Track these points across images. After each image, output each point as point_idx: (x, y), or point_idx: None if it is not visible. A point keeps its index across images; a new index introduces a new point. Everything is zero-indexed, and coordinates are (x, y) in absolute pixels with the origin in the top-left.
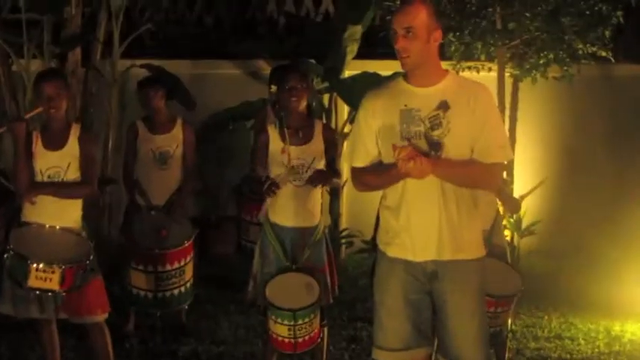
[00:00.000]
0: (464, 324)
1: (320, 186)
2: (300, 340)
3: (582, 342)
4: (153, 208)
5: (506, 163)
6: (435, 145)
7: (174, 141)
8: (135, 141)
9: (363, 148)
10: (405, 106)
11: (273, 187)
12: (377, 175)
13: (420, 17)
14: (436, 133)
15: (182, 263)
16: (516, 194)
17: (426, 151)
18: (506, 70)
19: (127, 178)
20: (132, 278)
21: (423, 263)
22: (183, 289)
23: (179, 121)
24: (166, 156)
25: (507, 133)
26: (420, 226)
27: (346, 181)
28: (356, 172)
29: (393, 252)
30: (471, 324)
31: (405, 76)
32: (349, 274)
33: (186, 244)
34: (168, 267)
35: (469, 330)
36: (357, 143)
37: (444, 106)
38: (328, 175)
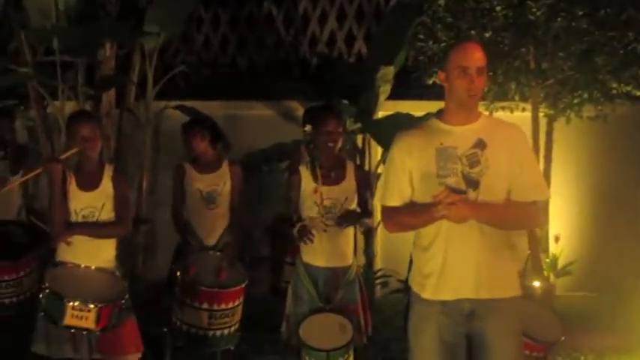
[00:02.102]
0: None
1: (352, 226)
2: None
3: None
4: (204, 248)
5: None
6: (473, 183)
7: (221, 180)
8: (182, 182)
9: (397, 187)
10: (441, 144)
11: (307, 235)
12: (412, 215)
13: (484, 57)
14: (474, 170)
15: (236, 303)
16: (551, 234)
17: (463, 189)
18: (540, 110)
19: (177, 219)
20: (185, 315)
21: (459, 302)
22: (232, 329)
23: (226, 162)
24: (214, 195)
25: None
26: (456, 265)
27: (379, 221)
28: (388, 211)
29: (428, 294)
30: None
31: (439, 116)
32: (384, 314)
33: (243, 285)
34: (223, 306)
35: None
36: (390, 182)
37: (481, 144)
38: (357, 216)
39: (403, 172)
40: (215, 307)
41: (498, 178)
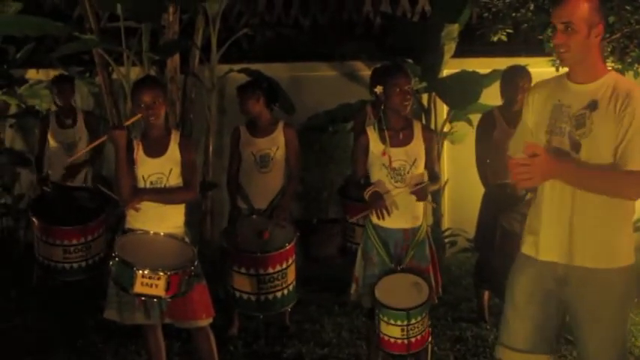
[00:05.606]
0: (594, 335)
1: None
2: (413, 339)
3: None
4: (255, 212)
5: None
6: (575, 145)
7: (274, 144)
8: (237, 145)
9: (522, 139)
10: (559, 101)
11: (381, 209)
12: None
13: (581, 11)
14: (579, 132)
15: (284, 266)
16: None
17: (567, 150)
18: (608, 64)
19: (230, 183)
20: (234, 281)
21: (553, 265)
22: (285, 291)
23: (280, 124)
24: (267, 159)
25: None
26: (552, 226)
27: (447, 181)
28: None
29: (526, 249)
30: (600, 335)
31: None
32: (453, 273)
33: (288, 247)
34: (270, 270)
35: (600, 342)
36: (516, 136)
37: (592, 105)
38: (427, 185)
39: (527, 128)
40: (261, 271)
41: (601, 141)
